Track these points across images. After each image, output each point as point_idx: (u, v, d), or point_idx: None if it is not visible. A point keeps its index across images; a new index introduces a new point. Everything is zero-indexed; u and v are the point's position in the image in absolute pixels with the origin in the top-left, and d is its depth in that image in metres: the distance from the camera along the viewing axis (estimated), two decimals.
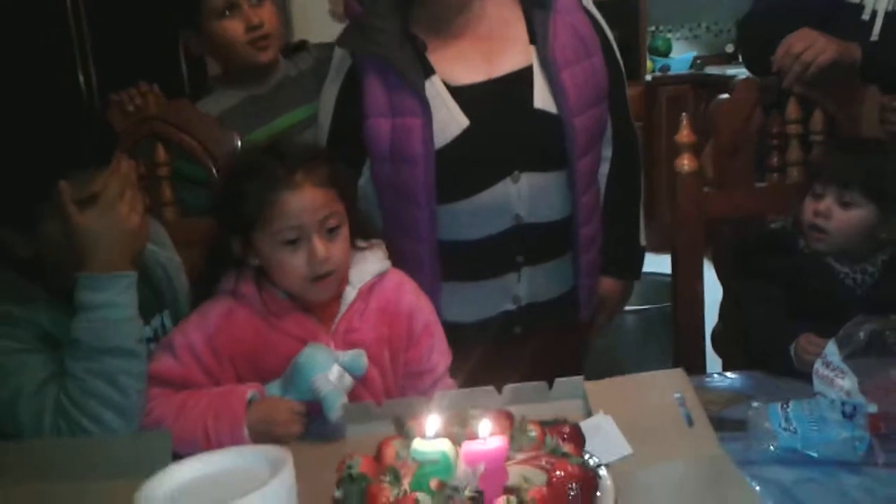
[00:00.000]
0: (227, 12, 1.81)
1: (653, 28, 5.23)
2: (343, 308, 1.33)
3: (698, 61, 5.09)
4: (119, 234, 1.23)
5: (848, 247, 1.46)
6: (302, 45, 2.02)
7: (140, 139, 1.74)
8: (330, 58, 1.64)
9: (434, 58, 1.54)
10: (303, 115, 1.83)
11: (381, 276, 1.37)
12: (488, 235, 1.56)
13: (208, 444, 1.17)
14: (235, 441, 1.18)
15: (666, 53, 5.20)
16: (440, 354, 1.41)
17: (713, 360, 1.78)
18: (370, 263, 1.36)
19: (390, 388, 1.35)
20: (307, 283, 1.27)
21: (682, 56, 5.16)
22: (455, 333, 1.57)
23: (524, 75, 1.55)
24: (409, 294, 1.40)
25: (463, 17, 1.55)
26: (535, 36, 1.55)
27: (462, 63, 1.55)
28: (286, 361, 1.25)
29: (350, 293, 1.34)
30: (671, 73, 4.97)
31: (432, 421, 0.93)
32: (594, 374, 1.32)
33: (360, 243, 1.36)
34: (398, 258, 1.57)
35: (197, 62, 2.14)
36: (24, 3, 3.44)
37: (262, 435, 1.19)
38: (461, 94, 1.53)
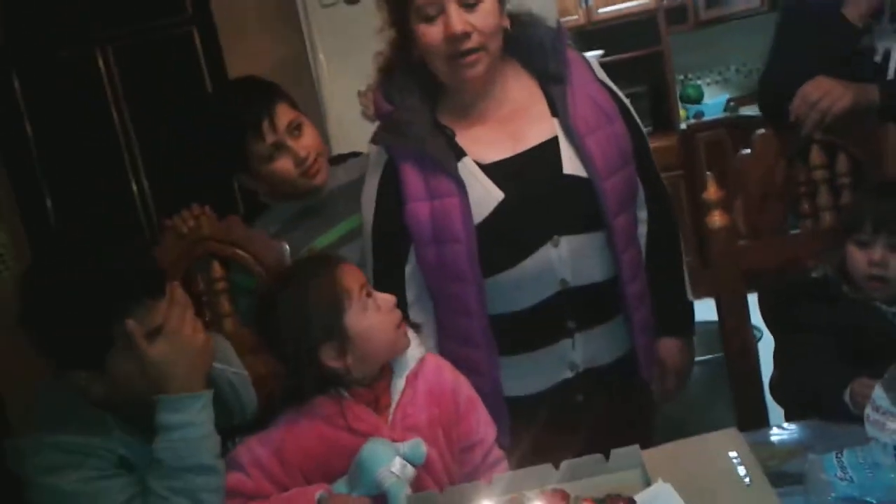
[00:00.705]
0: (275, 154, 1.83)
1: (682, 77, 5.28)
2: (395, 397, 1.38)
3: (731, 103, 5.11)
4: (188, 356, 1.30)
5: None
6: (350, 154, 2.07)
7: (196, 258, 1.84)
8: None
9: (463, 141, 1.61)
10: (357, 222, 1.82)
11: (421, 361, 1.43)
12: (537, 303, 1.59)
13: None
14: None
15: (698, 100, 5.24)
16: (487, 425, 1.45)
17: (775, 408, 1.78)
18: (411, 350, 1.42)
19: (449, 467, 1.39)
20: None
21: (714, 100, 5.19)
22: (516, 407, 1.61)
23: (551, 145, 1.60)
24: (448, 372, 1.45)
25: (486, 101, 1.63)
26: (556, 109, 1.62)
27: (490, 142, 1.62)
28: (350, 457, 1.30)
29: (399, 382, 1.39)
30: (706, 118, 5.01)
31: None
32: (661, 432, 1.34)
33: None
34: (453, 338, 1.62)
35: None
36: (75, 130, 3.65)
37: None
38: (493, 171, 1.59)
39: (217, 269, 1.82)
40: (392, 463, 1.26)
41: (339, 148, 2.19)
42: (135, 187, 3.74)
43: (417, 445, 1.29)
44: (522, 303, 1.60)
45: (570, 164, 1.59)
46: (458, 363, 1.52)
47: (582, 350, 1.63)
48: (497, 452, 1.45)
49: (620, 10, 4.92)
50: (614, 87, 1.72)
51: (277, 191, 1.93)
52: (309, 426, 1.34)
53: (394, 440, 1.31)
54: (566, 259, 1.58)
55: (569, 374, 1.63)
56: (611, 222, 1.59)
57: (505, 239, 1.57)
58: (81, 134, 3.70)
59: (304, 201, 1.92)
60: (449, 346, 1.63)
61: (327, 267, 1.37)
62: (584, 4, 4.92)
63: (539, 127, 1.62)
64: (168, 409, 1.28)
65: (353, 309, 1.33)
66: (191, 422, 1.28)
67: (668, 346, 1.75)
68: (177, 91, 3.62)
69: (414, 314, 1.62)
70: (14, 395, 1.70)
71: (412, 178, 1.60)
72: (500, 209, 1.57)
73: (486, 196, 1.57)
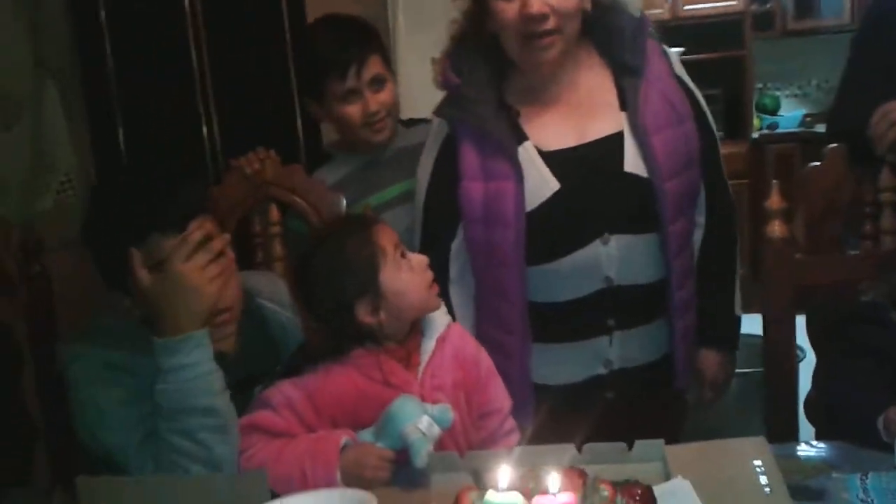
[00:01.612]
0: (349, 97, 1.85)
1: (760, 85, 5.19)
2: (425, 357, 1.41)
3: (807, 119, 5.01)
4: (182, 296, 1.31)
5: None
6: (422, 120, 2.07)
7: (257, 201, 1.89)
8: None
9: (527, 125, 1.60)
10: (412, 186, 1.85)
11: (449, 326, 1.46)
12: (579, 297, 1.59)
13: (304, 484, 1.25)
14: (329, 483, 1.26)
15: (774, 111, 5.15)
16: (504, 395, 1.48)
17: (807, 427, 1.76)
18: (439, 316, 1.45)
19: (467, 430, 1.42)
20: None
21: (790, 114, 5.10)
22: (545, 395, 1.62)
23: (614, 140, 1.58)
24: (471, 341, 1.49)
25: (555, 86, 1.61)
26: (626, 103, 1.59)
27: (553, 129, 1.60)
28: (378, 409, 1.33)
29: (429, 344, 1.42)
30: (779, 130, 4.92)
31: (504, 473, 0.98)
32: (691, 438, 1.34)
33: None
34: (489, 321, 1.63)
35: (313, 128, 2.27)
36: (154, 65, 3.74)
37: (354, 479, 1.26)
38: (552, 159, 1.57)
39: (274, 213, 1.87)
40: (420, 420, 1.28)
41: (405, 110, 2.20)
42: (205, 129, 3.81)
43: (446, 410, 1.32)
44: (564, 295, 1.60)
45: (632, 163, 1.57)
46: (492, 346, 1.54)
47: (619, 349, 1.62)
48: (511, 422, 1.48)
49: (707, 8, 4.85)
50: (691, 85, 1.69)
51: (341, 138, 1.97)
52: (344, 375, 1.37)
53: (422, 397, 1.35)
54: (614, 258, 1.57)
55: (602, 371, 1.63)
56: (667, 226, 1.57)
57: (555, 230, 1.57)
58: (160, 70, 3.76)
59: (366, 156, 1.95)
60: (485, 328, 1.64)
61: (363, 226, 1.40)
62: None
63: (606, 120, 1.60)
64: (161, 353, 1.31)
65: (388, 267, 1.36)
66: (183, 364, 1.30)
67: (709, 358, 1.73)
68: (255, 35, 3.66)
69: (454, 291, 1.64)
70: (71, 315, 1.77)
71: (470, 156, 1.60)
72: (555, 199, 1.56)
73: (541, 184, 1.56)
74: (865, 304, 1.54)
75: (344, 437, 1.31)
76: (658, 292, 1.62)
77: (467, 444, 1.41)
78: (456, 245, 1.65)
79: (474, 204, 1.59)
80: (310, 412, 1.36)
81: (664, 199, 1.56)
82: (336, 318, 1.37)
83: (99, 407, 1.35)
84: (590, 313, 1.60)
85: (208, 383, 1.33)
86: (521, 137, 1.59)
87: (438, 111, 1.67)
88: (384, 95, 1.89)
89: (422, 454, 1.26)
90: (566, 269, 1.57)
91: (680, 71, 1.68)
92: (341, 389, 1.37)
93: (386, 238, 1.39)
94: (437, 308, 1.44)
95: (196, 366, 1.32)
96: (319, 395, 1.36)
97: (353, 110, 1.86)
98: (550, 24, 1.50)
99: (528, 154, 1.57)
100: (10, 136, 2.95)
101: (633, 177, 1.56)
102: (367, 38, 1.88)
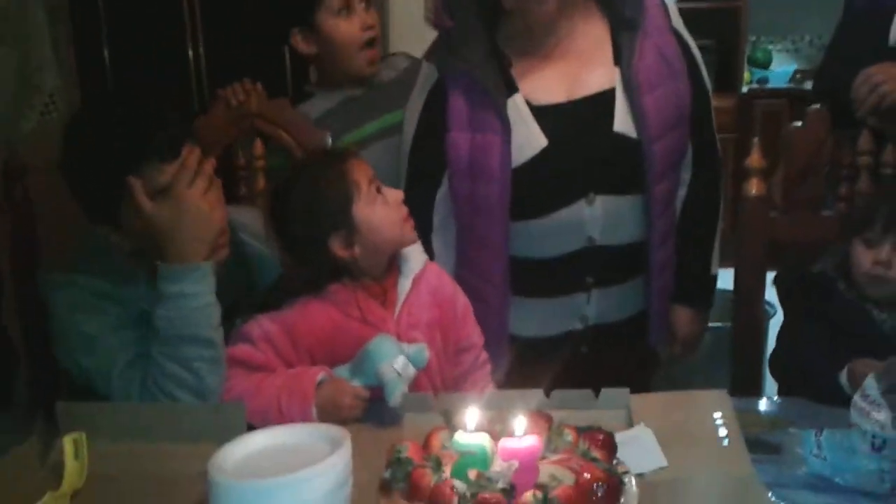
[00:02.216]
0: (344, 12, 1.87)
1: (753, 38, 5.14)
2: (401, 296, 1.43)
3: (798, 76, 4.98)
4: (191, 222, 1.31)
5: None
6: (391, 54, 2.10)
7: (241, 133, 1.88)
8: (418, 69, 1.70)
9: (518, 75, 1.57)
10: (392, 121, 1.90)
11: (425, 266, 1.48)
12: (560, 255, 1.60)
13: (280, 418, 1.28)
14: (304, 418, 1.29)
15: (765, 65, 5.11)
16: (478, 331, 1.52)
17: (773, 383, 1.81)
18: (415, 255, 1.47)
19: (443, 367, 1.45)
20: None
21: (781, 69, 5.07)
22: (521, 347, 1.64)
23: (606, 98, 1.56)
24: (447, 281, 1.51)
25: (550, 36, 1.58)
26: (621, 57, 1.56)
27: (545, 82, 1.58)
28: (356, 345, 1.36)
29: (405, 283, 1.44)
30: (769, 86, 4.89)
31: (471, 415, 1.02)
32: (657, 389, 1.38)
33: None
34: (470, 271, 1.64)
35: (301, 68, 2.25)
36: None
37: (328, 414, 1.29)
38: (542, 114, 1.56)
39: (259, 146, 1.86)
40: (396, 360, 1.31)
41: (396, 48, 2.20)
42: (191, 52, 3.76)
43: (421, 350, 1.34)
44: (545, 252, 1.61)
45: (622, 122, 1.55)
46: (471, 293, 1.55)
47: (596, 305, 1.64)
48: (484, 355, 1.53)
49: None
50: (688, 39, 1.65)
51: (322, 75, 1.99)
52: (322, 310, 1.39)
53: (397, 335, 1.37)
54: (598, 218, 1.57)
55: (578, 326, 1.66)
56: (652, 188, 1.57)
57: (540, 188, 1.56)
58: None
59: (344, 93, 1.97)
60: (465, 276, 1.64)
61: (337, 160, 1.41)
62: None
63: (599, 74, 1.57)
64: (165, 279, 1.32)
65: (362, 201, 1.37)
66: (186, 292, 1.31)
67: (681, 315, 1.76)
68: None
69: (436, 239, 1.65)
70: (53, 237, 1.77)
71: (458, 106, 1.58)
72: (541, 157, 1.55)
73: (529, 140, 1.55)
74: (814, 275, 1.57)
75: (320, 374, 1.33)
76: (638, 251, 1.63)
77: (442, 380, 1.45)
78: (440, 193, 1.64)
79: (460, 155, 1.58)
80: (287, 346, 1.39)
81: (652, 160, 1.55)
82: (311, 252, 1.39)
83: (81, 333, 1.36)
84: (570, 270, 1.61)
85: (209, 315, 1.34)
86: (512, 89, 1.57)
87: (429, 56, 1.65)
88: (374, 19, 1.92)
89: (396, 394, 1.29)
90: (549, 227, 1.58)
91: (678, 24, 1.65)
92: (318, 324, 1.39)
93: (360, 172, 1.39)
94: (412, 243, 1.45)
95: (199, 296, 1.33)
96: (297, 329, 1.39)
97: (348, 26, 1.88)
98: None
99: (517, 108, 1.56)
100: None
101: (622, 137, 1.55)
102: None
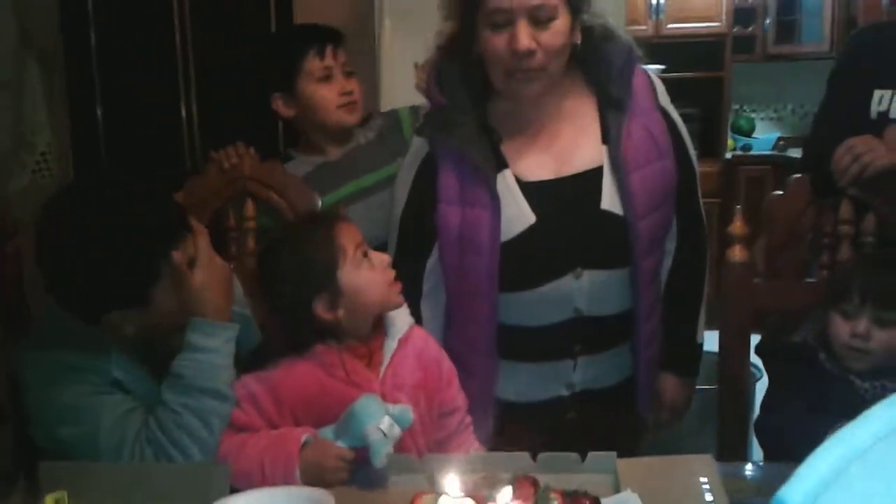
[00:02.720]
0: (324, 79, 1.99)
1: (737, 107, 5.26)
2: (387, 357, 1.44)
3: (781, 143, 5.09)
4: (222, 283, 1.39)
5: (883, 364, 1.46)
6: (368, 117, 2.15)
7: (233, 195, 1.90)
8: (393, 126, 1.80)
9: (508, 151, 1.59)
10: (372, 180, 1.99)
11: (411, 328, 1.49)
12: (548, 324, 1.60)
13: (263, 480, 1.27)
14: (288, 480, 1.27)
15: (749, 133, 5.22)
16: (462, 395, 1.53)
17: (757, 448, 1.81)
18: (401, 318, 1.47)
19: (427, 429, 1.45)
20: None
21: (765, 136, 5.18)
22: (507, 413, 1.63)
23: (594, 175, 1.57)
24: (432, 344, 1.53)
25: (538, 114, 1.59)
26: (608, 137, 1.58)
27: (534, 159, 1.59)
28: (341, 406, 1.35)
29: (391, 344, 1.45)
30: (753, 152, 4.99)
31: (451, 481, 1.02)
32: (645, 452, 1.38)
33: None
34: (458, 339, 1.65)
35: (292, 128, 2.31)
36: (137, 51, 3.73)
37: (313, 476, 1.28)
38: (531, 190, 1.57)
39: (250, 208, 1.88)
40: (381, 421, 1.31)
41: (387, 100, 2.28)
42: (184, 112, 3.81)
43: (406, 411, 1.34)
44: (533, 321, 1.62)
45: (609, 200, 1.57)
46: (458, 361, 1.55)
47: (583, 373, 1.65)
48: (468, 418, 1.53)
49: (690, 28, 4.91)
50: (675, 116, 1.68)
51: (302, 139, 2.08)
52: (306, 371, 1.40)
53: (383, 395, 1.37)
54: (586, 291, 1.58)
55: (565, 393, 1.66)
56: (638, 262, 1.59)
57: (528, 262, 1.58)
58: (142, 50, 3.76)
59: (322, 157, 2.05)
60: (453, 344, 1.64)
61: (325, 224, 1.44)
62: (654, 17, 4.91)
63: (587, 152, 1.59)
64: (201, 331, 1.35)
65: (348, 265, 1.40)
66: (218, 348, 1.35)
67: (669, 382, 1.76)
68: (242, 26, 3.67)
69: (425, 306, 1.65)
70: (41, 299, 1.77)
71: (449, 180, 1.59)
72: (530, 232, 1.56)
73: (518, 216, 1.56)
74: (794, 346, 1.57)
75: (305, 435, 1.33)
76: (625, 321, 1.64)
77: (426, 442, 1.44)
78: (431, 262, 1.65)
79: (450, 228, 1.60)
80: (272, 407, 1.38)
81: (638, 237, 1.57)
82: (296, 313, 1.40)
83: (60, 405, 1.35)
84: (557, 339, 1.62)
85: (229, 376, 1.37)
86: (502, 164, 1.58)
87: (420, 131, 1.66)
88: (355, 82, 2.03)
89: (381, 455, 1.29)
90: (537, 299, 1.59)
91: (665, 101, 1.67)
92: (303, 385, 1.39)
93: (348, 237, 1.42)
94: (397, 306, 1.46)
95: (227, 355, 1.36)
96: (281, 389, 1.39)
97: (327, 91, 1.99)
98: (537, 60, 1.48)
99: (506, 183, 1.57)
100: None
101: (609, 214, 1.57)
102: (337, 33, 2.04)
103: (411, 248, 1.65)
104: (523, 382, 1.66)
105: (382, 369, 1.43)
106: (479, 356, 1.62)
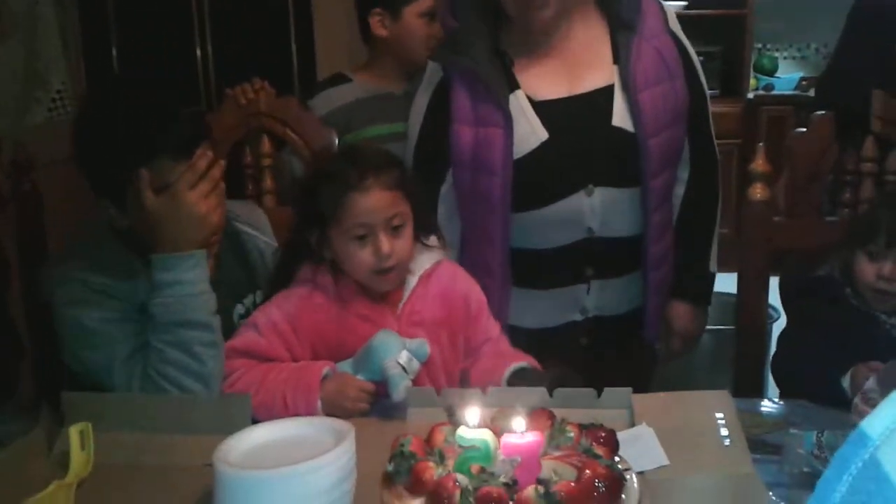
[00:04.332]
0: (427, 17, 2.01)
1: (759, 46, 5.15)
2: (406, 293, 1.45)
3: (804, 83, 4.99)
4: (185, 219, 1.35)
5: None
6: None
7: (250, 131, 1.90)
8: None
9: (519, 73, 1.62)
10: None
11: (437, 264, 1.48)
12: (560, 246, 1.63)
13: (285, 411, 1.29)
14: (309, 411, 1.30)
15: (771, 72, 5.11)
16: (493, 322, 1.53)
17: (774, 386, 1.81)
18: (428, 253, 1.48)
19: (449, 365, 1.46)
20: (373, 274, 1.39)
21: (788, 76, 5.07)
22: (521, 339, 1.63)
23: (605, 94, 1.61)
24: (461, 279, 1.51)
25: (550, 38, 1.62)
26: (619, 56, 1.61)
27: (546, 79, 1.62)
28: (357, 342, 1.37)
29: (412, 280, 1.45)
30: (775, 92, 4.90)
31: (472, 413, 1.03)
32: (659, 390, 1.38)
33: (423, 240, 1.47)
34: (472, 263, 1.65)
35: (308, 65, 2.28)
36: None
37: (333, 408, 1.31)
38: (543, 109, 1.60)
39: (267, 144, 1.88)
40: (400, 355, 1.32)
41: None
42: (199, 50, 3.78)
43: (422, 345, 1.36)
44: (545, 244, 1.63)
45: (620, 117, 1.59)
46: None
47: (595, 297, 1.67)
48: (504, 341, 1.53)
49: None
50: (685, 41, 1.70)
51: (386, 58, 2.08)
52: (323, 303, 1.41)
53: (399, 332, 1.38)
54: (597, 209, 1.60)
55: (578, 318, 1.68)
56: (648, 181, 1.60)
57: (541, 179, 1.59)
58: None
59: (386, 87, 2.05)
60: (466, 269, 1.63)
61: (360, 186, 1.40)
62: None
63: (598, 72, 1.62)
64: (159, 268, 1.35)
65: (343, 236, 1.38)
66: (180, 279, 1.34)
67: (680, 310, 1.77)
68: None
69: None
70: (60, 232, 1.79)
71: (462, 101, 1.61)
72: (542, 149, 1.58)
73: (530, 133, 1.58)
74: (819, 280, 1.56)
75: (325, 368, 1.34)
76: (636, 245, 1.66)
77: (447, 377, 1.45)
78: (445, 189, 1.67)
79: (464, 148, 1.62)
80: (292, 336, 1.40)
81: (648, 155, 1.59)
82: (314, 244, 1.41)
83: (82, 326, 1.38)
84: (569, 262, 1.64)
85: (204, 301, 1.37)
86: (514, 85, 1.60)
87: (434, 56, 1.69)
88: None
89: (400, 388, 1.30)
90: (550, 219, 1.61)
91: (674, 26, 1.69)
92: (320, 318, 1.40)
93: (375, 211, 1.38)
94: (381, 290, 1.43)
95: (193, 283, 1.36)
96: (300, 321, 1.40)
97: (430, 28, 2.00)
98: None
99: (518, 102, 1.59)
100: (3, 50, 2.92)
101: (620, 131, 1.59)
102: None
103: (426, 172, 1.66)
104: (537, 309, 1.68)
105: (401, 305, 1.44)
106: (493, 280, 1.63)
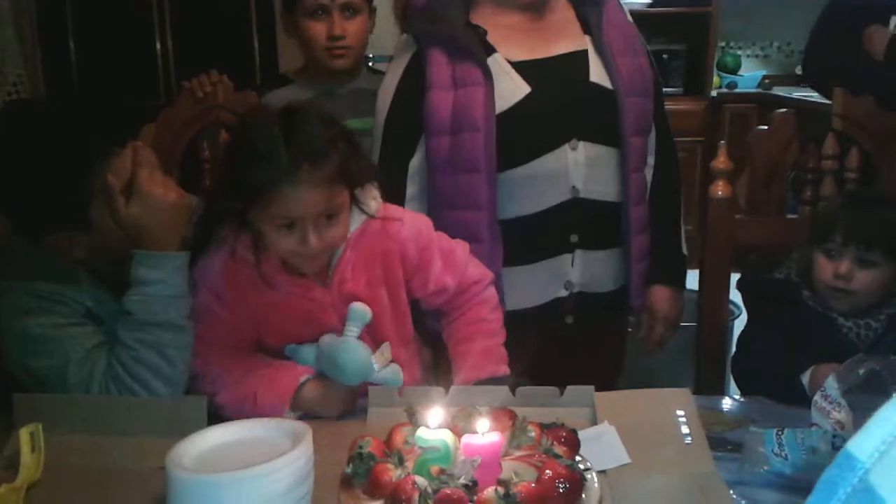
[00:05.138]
0: (319, 13, 1.91)
1: (723, 44, 5.20)
2: (334, 262, 1.37)
3: (766, 81, 5.04)
4: (163, 213, 1.31)
5: (864, 303, 1.47)
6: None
7: (206, 125, 1.86)
8: None
9: (494, 40, 1.63)
10: (362, 126, 1.86)
11: (365, 223, 1.39)
12: (545, 209, 1.62)
13: (253, 407, 1.28)
14: (275, 412, 1.26)
15: (734, 70, 5.17)
16: (453, 273, 1.45)
17: (733, 385, 1.82)
18: (356, 215, 1.37)
19: (400, 317, 1.43)
20: (296, 258, 1.31)
21: (750, 74, 5.13)
22: (505, 321, 1.60)
23: (580, 56, 1.65)
24: (398, 228, 1.41)
25: (520, 13, 1.65)
26: (590, 27, 1.66)
27: (521, 45, 1.64)
28: (288, 318, 1.35)
29: (339, 249, 1.37)
30: (738, 90, 4.95)
31: (434, 413, 1.01)
32: (623, 385, 1.38)
33: (361, 205, 1.37)
34: (457, 235, 1.56)
35: (269, 58, 2.26)
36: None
37: (318, 410, 1.30)
38: (522, 67, 1.62)
39: (224, 137, 1.84)
40: (374, 368, 1.32)
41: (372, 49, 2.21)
42: (158, 43, 3.72)
43: (363, 314, 1.33)
44: (530, 207, 1.62)
45: (597, 75, 1.63)
46: None
47: (580, 270, 1.66)
48: (483, 293, 1.48)
49: None
50: (639, 34, 1.76)
51: (303, 65, 2.02)
52: (247, 279, 1.35)
53: (333, 305, 1.36)
54: (581, 165, 1.61)
55: (563, 293, 1.67)
56: (627, 138, 1.63)
57: (525, 133, 1.59)
58: None
59: (322, 86, 1.98)
60: None
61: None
62: None
63: (569, 40, 1.67)
64: (144, 264, 1.31)
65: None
66: (164, 279, 1.31)
67: (660, 294, 1.78)
68: None
69: (411, 209, 1.61)
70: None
71: (439, 66, 1.61)
72: (525, 102, 1.59)
73: (512, 88, 1.59)
74: (777, 283, 1.57)
75: (304, 376, 1.32)
76: (618, 213, 1.68)
77: (398, 334, 1.43)
78: (415, 162, 1.64)
79: (441, 113, 1.60)
80: (225, 312, 1.36)
81: (625, 112, 1.62)
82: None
83: (30, 335, 1.33)
84: (555, 227, 1.63)
85: (182, 305, 1.33)
86: (490, 50, 1.62)
87: (408, 28, 1.68)
88: (353, 26, 1.93)
89: (398, 378, 1.34)
90: (535, 175, 1.60)
91: (629, 18, 1.75)
92: (245, 292, 1.36)
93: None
94: (306, 272, 1.36)
95: (176, 286, 1.32)
96: (227, 295, 1.36)
97: (317, 28, 1.92)
98: None
99: (497, 62, 1.61)
100: None
101: (599, 87, 1.63)
102: None
103: (396, 145, 1.64)
104: (522, 287, 1.65)
105: (329, 276, 1.37)
106: (481, 245, 1.59)
